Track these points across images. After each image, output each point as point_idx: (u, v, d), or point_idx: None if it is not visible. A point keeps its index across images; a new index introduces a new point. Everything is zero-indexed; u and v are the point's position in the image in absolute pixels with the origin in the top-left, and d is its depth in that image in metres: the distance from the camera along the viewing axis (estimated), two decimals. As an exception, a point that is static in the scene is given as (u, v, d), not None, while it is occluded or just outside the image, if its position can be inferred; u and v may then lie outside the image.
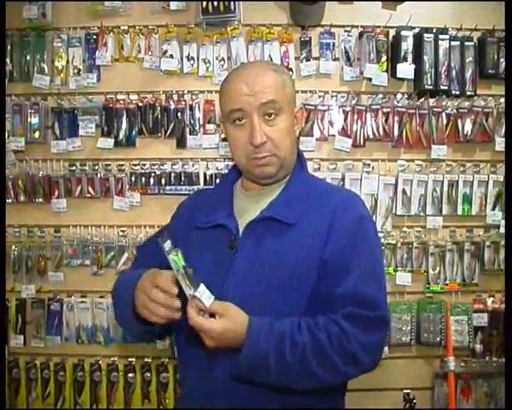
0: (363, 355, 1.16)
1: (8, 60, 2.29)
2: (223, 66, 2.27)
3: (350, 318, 1.15)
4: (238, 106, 1.24)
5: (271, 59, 2.24)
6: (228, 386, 1.19)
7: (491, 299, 2.30)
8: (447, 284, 2.28)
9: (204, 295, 1.11)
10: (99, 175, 2.30)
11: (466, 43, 2.27)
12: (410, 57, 2.24)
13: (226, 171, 2.28)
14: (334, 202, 1.27)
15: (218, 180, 2.28)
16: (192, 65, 2.28)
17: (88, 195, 2.30)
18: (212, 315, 1.12)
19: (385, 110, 2.27)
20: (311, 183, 1.37)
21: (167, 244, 1.11)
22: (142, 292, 1.16)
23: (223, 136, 2.27)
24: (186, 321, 1.11)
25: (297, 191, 1.31)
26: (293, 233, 1.24)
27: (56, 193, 2.30)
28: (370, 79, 2.25)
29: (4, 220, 2.07)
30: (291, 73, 2.23)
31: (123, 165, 2.30)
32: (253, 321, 1.14)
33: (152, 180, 2.29)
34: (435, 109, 2.27)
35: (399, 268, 2.26)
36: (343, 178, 2.25)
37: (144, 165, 2.29)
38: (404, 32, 2.23)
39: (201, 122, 2.29)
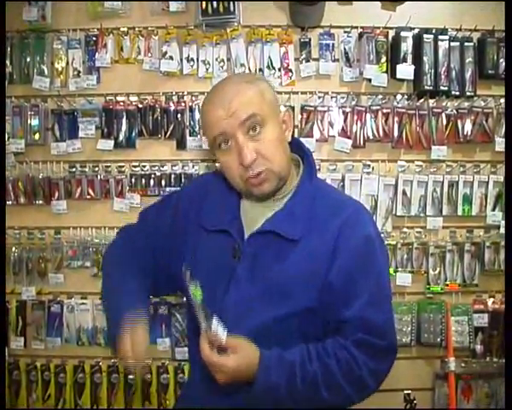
0: (371, 382, 1.17)
1: (7, 62, 2.28)
2: (222, 67, 2.27)
3: (360, 345, 1.15)
4: (219, 131, 1.21)
5: (271, 60, 2.24)
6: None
7: (492, 299, 2.30)
8: (447, 285, 2.28)
9: (218, 330, 1.11)
10: (99, 177, 2.29)
11: (466, 43, 2.26)
12: (409, 58, 2.23)
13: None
14: (340, 219, 1.22)
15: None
16: (192, 66, 2.27)
17: (88, 196, 2.30)
18: (223, 349, 1.12)
19: (385, 111, 2.27)
20: (319, 193, 1.30)
21: (187, 275, 1.16)
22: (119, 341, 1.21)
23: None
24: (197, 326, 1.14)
25: (303, 203, 1.26)
26: (295, 251, 1.21)
27: (56, 195, 2.30)
28: (370, 80, 2.25)
29: (4, 223, 2.07)
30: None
31: (123, 166, 2.30)
32: (264, 355, 1.14)
33: (152, 182, 2.28)
34: (435, 110, 2.27)
35: (399, 269, 2.26)
36: (343, 179, 2.25)
37: (144, 166, 2.29)
38: (403, 33, 2.23)
39: (201, 123, 2.29)
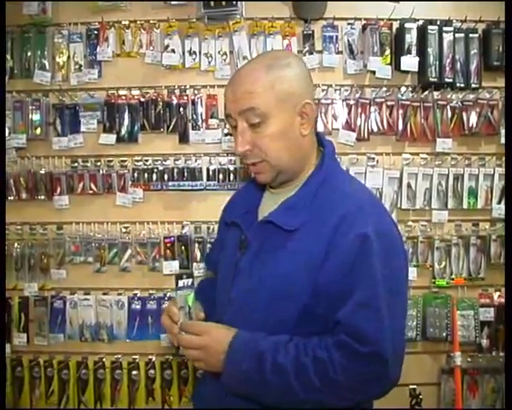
0: (350, 387, 1.12)
1: (8, 56, 2.28)
2: (225, 60, 2.26)
3: (341, 347, 1.11)
4: (228, 112, 1.24)
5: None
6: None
7: (498, 293, 2.28)
8: (453, 279, 2.27)
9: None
10: (101, 171, 2.28)
11: (470, 34, 2.24)
12: (414, 50, 2.21)
13: (229, 166, 2.27)
14: (340, 215, 1.17)
15: (221, 175, 2.27)
16: (194, 59, 2.26)
17: (90, 191, 2.28)
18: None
19: (389, 103, 2.25)
20: (327, 184, 1.25)
21: (187, 282, 1.26)
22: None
23: (225, 131, 2.26)
24: None
25: (307, 194, 1.24)
26: (291, 242, 1.19)
27: (58, 190, 2.29)
28: (374, 72, 2.23)
29: (4, 219, 2.05)
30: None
31: (125, 161, 2.29)
32: (236, 340, 1.16)
33: (154, 176, 2.27)
34: (440, 102, 2.25)
35: (405, 263, 2.24)
36: (347, 172, 2.23)
37: (147, 161, 2.28)
38: (407, 25, 2.21)
39: (204, 117, 2.27)
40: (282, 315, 1.18)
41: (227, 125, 2.26)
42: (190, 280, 1.26)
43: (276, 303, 1.19)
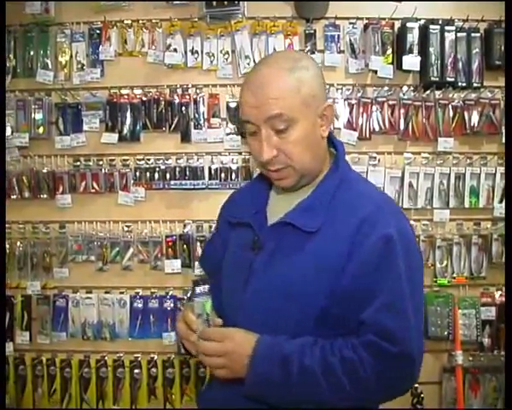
0: (377, 385, 1.11)
1: (11, 55, 2.29)
2: (227, 59, 2.26)
3: (369, 347, 1.10)
4: (247, 118, 1.17)
5: (276, 52, 2.23)
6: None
7: (499, 292, 2.29)
8: (455, 278, 2.27)
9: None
10: (103, 170, 2.29)
11: (472, 34, 2.25)
12: (415, 49, 2.22)
13: (232, 165, 2.28)
14: (360, 216, 1.15)
15: (223, 174, 2.27)
16: (196, 59, 2.27)
17: (92, 190, 2.29)
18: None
19: (391, 103, 2.25)
20: (344, 185, 1.23)
21: (204, 288, 1.21)
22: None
23: (227, 130, 2.27)
24: None
25: (325, 195, 1.21)
26: (311, 243, 1.17)
27: (61, 189, 2.30)
28: (376, 72, 2.24)
29: (4, 219, 2.05)
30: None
31: (127, 160, 2.30)
32: (260, 344, 1.13)
33: (157, 175, 2.28)
34: (441, 101, 2.25)
35: (406, 262, 2.24)
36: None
37: (149, 160, 2.28)
38: (409, 24, 2.22)
39: (206, 116, 2.28)
40: (299, 317, 1.16)
41: (229, 125, 2.27)
42: (207, 286, 1.21)
43: (293, 305, 1.16)
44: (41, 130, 2.29)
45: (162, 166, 2.28)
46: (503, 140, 2.23)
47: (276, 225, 1.22)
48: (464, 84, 2.25)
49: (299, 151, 1.16)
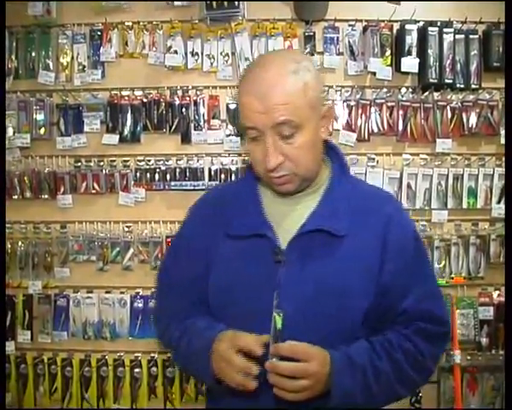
0: (432, 366, 1.23)
1: (13, 57, 2.30)
2: (227, 61, 2.28)
3: (421, 333, 1.18)
4: (251, 124, 1.11)
5: (275, 54, 2.24)
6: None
7: (497, 292, 2.30)
8: (453, 278, 2.28)
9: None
10: (104, 171, 2.31)
11: (471, 36, 2.26)
12: (414, 51, 2.23)
13: (231, 166, 2.29)
14: (385, 214, 1.19)
15: (223, 175, 2.29)
16: (196, 60, 2.28)
17: (93, 191, 2.31)
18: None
19: (389, 104, 2.27)
20: (357, 188, 1.26)
21: (276, 301, 1.08)
22: (220, 357, 1.10)
23: (227, 131, 2.28)
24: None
25: (343, 199, 1.20)
26: (343, 247, 1.15)
27: (62, 189, 2.31)
28: (375, 74, 2.25)
29: (4, 219, 2.06)
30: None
31: (128, 161, 2.31)
32: (335, 360, 1.09)
33: (157, 176, 2.29)
34: (440, 103, 2.26)
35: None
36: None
37: (149, 161, 2.30)
38: (408, 26, 2.23)
39: (206, 118, 2.29)
40: (349, 320, 1.15)
41: (229, 126, 2.28)
42: (277, 300, 1.08)
43: (341, 310, 1.14)
44: (42, 131, 2.30)
45: (162, 167, 2.29)
46: (501, 141, 2.26)
47: (303, 234, 1.15)
48: (462, 86, 2.26)
49: (304, 156, 1.13)
